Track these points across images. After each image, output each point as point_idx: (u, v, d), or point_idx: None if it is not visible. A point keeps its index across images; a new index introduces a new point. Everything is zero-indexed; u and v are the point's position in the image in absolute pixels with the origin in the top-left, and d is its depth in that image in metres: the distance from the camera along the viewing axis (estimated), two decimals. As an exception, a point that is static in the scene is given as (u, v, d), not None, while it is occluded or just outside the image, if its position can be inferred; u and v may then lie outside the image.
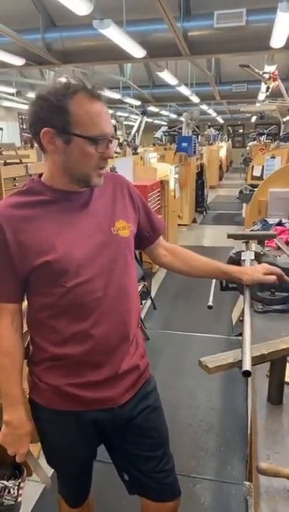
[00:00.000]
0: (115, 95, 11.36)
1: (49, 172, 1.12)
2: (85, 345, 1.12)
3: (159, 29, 5.96)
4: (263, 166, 5.77)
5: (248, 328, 1.09)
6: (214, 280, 1.80)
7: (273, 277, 1.37)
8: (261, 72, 4.37)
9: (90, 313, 1.11)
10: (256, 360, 1.05)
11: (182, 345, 3.43)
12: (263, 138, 10.24)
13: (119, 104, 13.50)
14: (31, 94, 11.41)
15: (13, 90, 10.58)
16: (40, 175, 1.16)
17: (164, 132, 11.04)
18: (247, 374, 0.93)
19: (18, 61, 6.46)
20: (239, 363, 0.98)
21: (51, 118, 1.03)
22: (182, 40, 5.88)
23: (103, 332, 1.13)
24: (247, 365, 0.94)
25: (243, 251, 1.81)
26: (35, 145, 1.17)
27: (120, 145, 5.45)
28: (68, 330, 1.12)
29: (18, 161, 2.25)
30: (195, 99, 11.80)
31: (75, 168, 1.08)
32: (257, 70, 4.36)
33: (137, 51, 6.05)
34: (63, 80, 1.05)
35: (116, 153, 8.19)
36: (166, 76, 8.21)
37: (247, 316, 1.14)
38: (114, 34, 5.22)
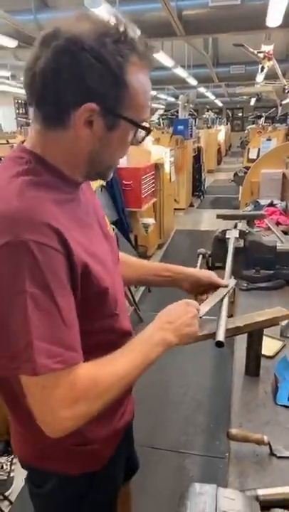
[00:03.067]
0: (111, 78, 11.21)
1: (64, 157, 0.77)
2: None
3: (152, 8, 5.82)
4: (259, 149, 5.75)
5: (225, 300, 1.10)
6: (199, 261, 1.80)
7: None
8: (256, 52, 4.31)
9: (122, 341, 0.85)
10: (231, 332, 1.07)
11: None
12: (261, 121, 10.15)
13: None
14: (26, 78, 11.24)
15: (7, 73, 10.42)
16: (31, 152, 0.77)
17: (160, 115, 10.93)
18: (220, 344, 0.95)
19: (11, 43, 6.35)
20: (214, 335, 0.99)
21: (101, 88, 0.69)
22: (176, 20, 5.77)
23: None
24: (220, 336, 0.96)
25: (229, 229, 1.82)
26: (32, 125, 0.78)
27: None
28: None
29: (4, 141, 2.21)
30: (192, 82, 11.63)
31: (104, 161, 0.80)
32: (251, 50, 4.30)
33: (132, 30, 5.94)
34: (111, 19, 0.70)
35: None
36: (162, 57, 8.07)
37: (224, 307, 1.14)
38: (106, 13, 5.12)
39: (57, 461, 0.89)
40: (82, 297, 0.75)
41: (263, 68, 4.58)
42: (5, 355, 0.67)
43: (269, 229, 2.59)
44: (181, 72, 10.21)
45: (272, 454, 0.88)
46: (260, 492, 0.75)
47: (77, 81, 0.69)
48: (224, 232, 1.80)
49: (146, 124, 0.79)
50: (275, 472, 0.84)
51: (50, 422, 0.70)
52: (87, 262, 0.75)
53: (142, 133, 0.80)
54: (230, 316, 1.11)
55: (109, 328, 0.87)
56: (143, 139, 0.82)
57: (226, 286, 1.11)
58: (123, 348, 0.79)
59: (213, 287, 1.12)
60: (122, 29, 0.70)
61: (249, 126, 11.19)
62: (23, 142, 0.82)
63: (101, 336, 0.83)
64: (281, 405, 1.03)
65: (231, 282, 1.14)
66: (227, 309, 1.06)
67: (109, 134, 0.75)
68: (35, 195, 0.71)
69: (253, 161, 5.75)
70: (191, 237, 6.14)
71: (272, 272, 1.78)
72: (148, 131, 0.79)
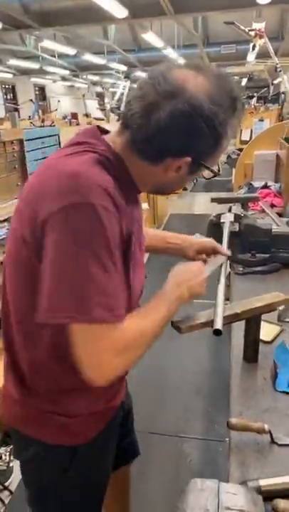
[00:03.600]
0: (100, 60, 10.98)
1: (139, 176, 0.84)
2: None
3: (140, -14, 5.69)
4: (251, 130, 5.68)
5: (221, 287, 1.08)
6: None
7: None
8: (247, 30, 4.20)
9: None
10: (230, 319, 1.05)
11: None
12: (253, 101, 9.99)
13: (104, 70, 13.08)
14: (12, 61, 10.98)
15: (-7, 58, 10.16)
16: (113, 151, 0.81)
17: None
18: (218, 333, 0.92)
19: (-5, 25, 6.17)
20: (211, 323, 0.97)
21: (202, 148, 0.79)
22: (165, -2, 5.63)
23: None
24: (218, 324, 0.94)
25: (224, 213, 1.79)
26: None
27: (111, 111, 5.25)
28: None
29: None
30: (183, 63, 11.42)
31: (171, 190, 0.91)
32: (242, 28, 4.19)
33: (119, 11, 5.79)
34: (226, 81, 0.79)
35: (100, 119, 8.00)
36: (151, 38, 7.91)
37: (222, 276, 1.13)
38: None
39: (41, 427, 0.91)
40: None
41: (254, 47, 4.47)
42: (62, 304, 0.70)
43: (264, 211, 2.56)
44: (171, 53, 10.01)
45: (273, 442, 0.86)
46: (262, 483, 0.74)
47: (186, 140, 0.77)
48: (219, 216, 1.76)
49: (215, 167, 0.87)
50: (276, 461, 0.83)
51: (103, 367, 0.76)
52: (131, 242, 0.81)
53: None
54: (226, 299, 1.10)
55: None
56: (211, 178, 0.91)
57: (226, 256, 1.18)
58: (150, 305, 0.87)
59: (214, 254, 1.19)
60: (232, 96, 0.78)
61: (241, 107, 11.00)
62: (102, 131, 0.85)
63: None
64: (281, 392, 1.02)
65: (228, 252, 1.24)
66: (223, 296, 1.04)
67: (188, 176, 0.85)
68: (102, 172, 0.75)
69: (245, 142, 5.68)
70: (186, 221, 6.10)
71: (267, 255, 1.75)
72: (217, 175, 0.88)
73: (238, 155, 5.08)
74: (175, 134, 0.75)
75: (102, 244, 0.71)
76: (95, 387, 0.79)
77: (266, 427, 0.85)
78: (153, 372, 2.64)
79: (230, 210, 1.87)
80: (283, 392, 1.02)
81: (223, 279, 1.14)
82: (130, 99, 0.79)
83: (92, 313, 0.70)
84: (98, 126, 0.86)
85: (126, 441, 1.24)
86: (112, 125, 4.91)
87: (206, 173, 0.88)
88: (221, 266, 1.13)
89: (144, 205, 5.05)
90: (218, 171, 0.89)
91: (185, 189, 8.28)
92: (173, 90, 0.74)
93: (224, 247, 1.26)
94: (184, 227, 5.81)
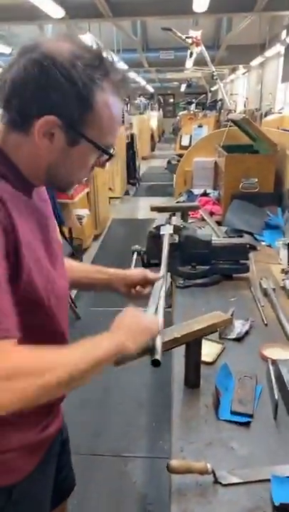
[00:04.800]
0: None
1: (24, 159, 0.78)
2: None
3: (77, -13, 5.56)
4: (191, 135, 5.75)
5: (160, 311, 1.00)
6: (134, 257, 1.70)
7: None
8: (184, 37, 4.24)
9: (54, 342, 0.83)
10: (169, 345, 0.98)
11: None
12: (192, 107, 10.20)
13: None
14: None
15: None
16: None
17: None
18: (156, 364, 0.85)
19: None
20: (149, 351, 0.89)
21: (65, 105, 0.72)
22: (103, 1, 5.55)
23: None
24: (157, 354, 0.86)
25: (163, 225, 1.73)
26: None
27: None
28: None
29: None
30: (122, 67, 11.39)
31: (62, 175, 0.82)
32: (179, 34, 4.21)
33: (55, 10, 5.61)
34: (89, 42, 0.76)
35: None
36: (90, 40, 7.77)
37: (160, 300, 1.05)
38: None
39: None
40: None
41: (191, 54, 4.53)
42: None
43: (203, 219, 2.55)
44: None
45: (216, 482, 0.80)
46: (206, 536, 0.66)
47: (42, 94, 0.71)
48: (158, 227, 1.70)
49: (110, 149, 0.81)
50: (221, 504, 0.76)
51: None
52: (24, 253, 0.73)
53: (104, 157, 0.82)
54: (168, 306, 1.04)
55: (40, 326, 0.83)
56: (104, 163, 0.84)
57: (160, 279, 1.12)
58: (69, 346, 0.77)
59: (149, 283, 1.12)
60: (98, 55, 0.74)
61: (181, 113, 11.22)
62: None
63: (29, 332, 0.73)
64: (223, 420, 0.96)
65: (162, 273, 1.18)
66: (162, 321, 0.97)
67: (69, 149, 0.77)
68: None
69: (185, 147, 5.74)
70: (129, 226, 6.04)
71: (208, 267, 1.72)
72: (110, 156, 0.82)
73: (178, 161, 5.10)
74: (29, 87, 0.71)
75: None
76: (25, 421, 0.71)
77: (209, 467, 0.78)
78: (92, 389, 2.51)
79: (170, 218, 1.82)
80: (226, 420, 0.96)
81: (161, 303, 1.06)
82: None
83: None
84: None
85: (62, 474, 1.14)
86: None
87: (102, 159, 0.82)
88: (161, 290, 1.06)
89: (85, 211, 4.91)
90: (112, 152, 0.81)
91: (127, 193, 8.24)
92: (31, 46, 0.72)
93: (162, 266, 1.21)
94: (127, 232, 5.75)
